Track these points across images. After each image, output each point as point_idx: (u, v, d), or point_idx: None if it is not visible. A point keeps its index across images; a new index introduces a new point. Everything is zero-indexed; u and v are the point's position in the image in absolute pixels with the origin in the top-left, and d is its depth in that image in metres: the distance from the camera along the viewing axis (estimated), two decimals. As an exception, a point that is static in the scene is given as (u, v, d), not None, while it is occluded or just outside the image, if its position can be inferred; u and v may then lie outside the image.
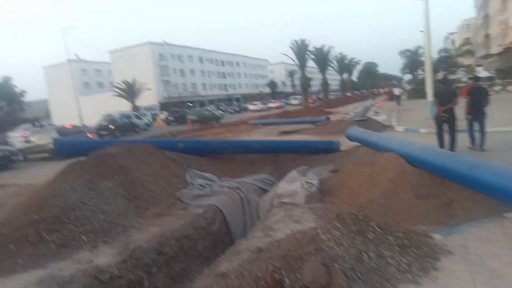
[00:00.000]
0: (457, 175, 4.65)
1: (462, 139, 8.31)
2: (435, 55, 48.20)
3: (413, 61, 60.50)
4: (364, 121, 15.34)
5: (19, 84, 63.28)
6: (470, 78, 15.58)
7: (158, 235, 4.65)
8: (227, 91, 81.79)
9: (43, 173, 8.99)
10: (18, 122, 34.23)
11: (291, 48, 40.86)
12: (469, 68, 51.87)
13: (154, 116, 41.85)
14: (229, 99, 77.54)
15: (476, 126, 8.35)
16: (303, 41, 41.15)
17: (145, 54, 61.99)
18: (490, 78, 34.42)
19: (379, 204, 4.58)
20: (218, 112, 36.88)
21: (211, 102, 67.41)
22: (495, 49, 41.33)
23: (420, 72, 56.83)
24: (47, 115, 65.98)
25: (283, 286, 2.78)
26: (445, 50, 55.86)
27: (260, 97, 78.19)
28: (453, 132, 7.91)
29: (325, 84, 52.64)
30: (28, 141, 16.85)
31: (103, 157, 6.52)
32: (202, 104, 64.16)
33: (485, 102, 8.31)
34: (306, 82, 43.57)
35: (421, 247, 3.40)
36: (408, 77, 77.25)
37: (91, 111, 48.44)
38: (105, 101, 53.74)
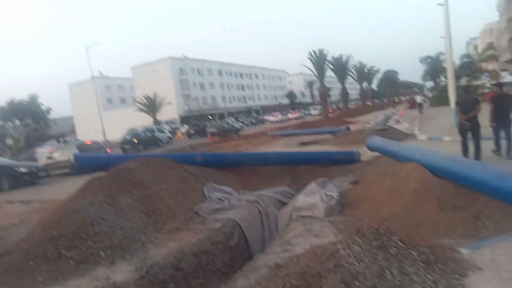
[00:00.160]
0: (484, 185, 4.42)
1: (489, 146, 8.09)
2: (457, 61, 47.12)
3: (434, 67, 59.21)
4: (385, 130, 15.07)
5: (45, 101, 65.90)
6: (493, 85, 15.15)
7: (176, 250, 4.60)
8: (246, 103, 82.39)
9: (67, 188, 9.17)
10: (45, 139, 35.38)
11: (309, 58, 40.85)
12: (494, 73, 50.39)
13: (174, 129, 42.57)
14: (248, 111, 78.02)
15: (502, 133, 8.16)
16: (321, 51, 41.04)
17: (166, 69, 63.47)
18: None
19: (402, 217, 4.42)
20: (238, 124, 37.24)
21: (230, 114, 67.98)
22: (520, 53, 40.12)
23: (442, 78, 55.61)
24: (73, 131, 68.00)
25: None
26: (467, 55, 54.49)
27: (279, 108, 78.43)
28: (477, 140, 7.75)
29: (344, 93, 52.41)
30: (50, 157, 17.31)
31: (122, 173, 6.59)
32: (222, 116, 64.84)
33: (510, 109, 8.13)
34: (325, 92, 43.32)
35: (447, 263, 3.21)
36: (430, 84, 75.72)
37: (114, 126, 49.84)
38: (128, 116, 55.19)
